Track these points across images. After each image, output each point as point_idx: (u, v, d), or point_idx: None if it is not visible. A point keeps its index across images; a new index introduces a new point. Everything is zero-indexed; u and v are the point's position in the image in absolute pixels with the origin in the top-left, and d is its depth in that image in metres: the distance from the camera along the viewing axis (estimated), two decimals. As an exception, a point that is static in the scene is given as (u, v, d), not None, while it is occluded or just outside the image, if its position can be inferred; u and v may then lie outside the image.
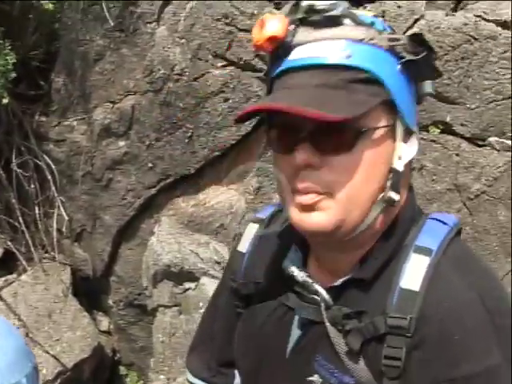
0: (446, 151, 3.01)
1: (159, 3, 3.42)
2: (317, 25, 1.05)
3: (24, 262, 3.91)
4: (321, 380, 1.11)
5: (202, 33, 3.32)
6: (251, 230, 1.30)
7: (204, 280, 3.21)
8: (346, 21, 1.06)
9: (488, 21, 2.88)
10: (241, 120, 1.07)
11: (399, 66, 1.06)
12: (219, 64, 3.30)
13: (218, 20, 3.27)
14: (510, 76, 2.85)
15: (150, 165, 3.58)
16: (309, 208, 1.04)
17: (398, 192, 1.06)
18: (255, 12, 3.19)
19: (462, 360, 1.00)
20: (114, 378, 4.18)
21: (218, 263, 3.27)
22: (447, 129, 3.00)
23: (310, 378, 1.12)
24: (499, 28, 2.87)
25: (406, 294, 1.04)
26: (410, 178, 1.16)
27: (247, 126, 3.29)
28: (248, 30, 3.24)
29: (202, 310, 3.20)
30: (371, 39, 1.05)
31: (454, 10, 2.97)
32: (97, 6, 3.58)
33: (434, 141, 3.01)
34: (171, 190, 3.61)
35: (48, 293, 3.83)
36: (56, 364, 3.63)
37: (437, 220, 1.13)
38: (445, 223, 1.12)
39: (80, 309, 3.88)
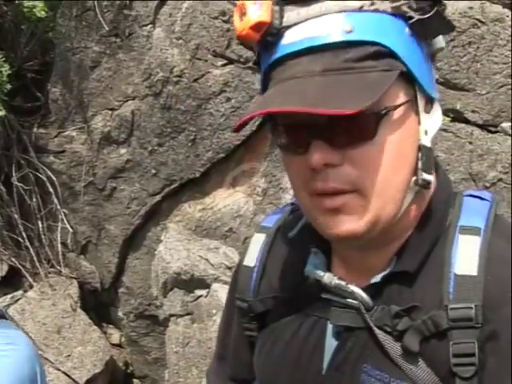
0: (458, 140, 2.93)
1: (154, 4, 3.35)
2: (304, 1, 0.91)
3: (30, 278, 3.85)
4: None
5: (199, 32, 3.25)
6: (257, 241, 1.17)
7: (215, 286, 3.13)
8: None
9: (494, 3, 2.80)
10: (241, 127, 0.94)
11: (407, 29, 0.92)
12: (219, 63, 3.22)
13: (216, 18, 3.20)
14: (520, 58, 2.77)
15: (153, 171, 3.51)
16: (336, 211, 0.93)
17: (430, 172, 0.96)
18: (253, 7, 3.11)
19: None
20: (128, 392, 4.10)
21: (229, 268, 3.18)
22: (458, 117, 2.92)
23: None
24: (506, 9, 2.79)
25: (464, 280, 0.93)
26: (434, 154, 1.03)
27: (251, 125, 3.21)
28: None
29: (215, 318, 3.14)
30: (372, 4, 0.90)
31: (459, -7, 2.89)
32: (90, 11, 3.51)
33: (445, 130, 2.92)
34: (177, 195, 3.54)
35: (56, 308, 3.76)
36: (68, 381, 3.58)
37: (474, 196, 1.03)
38: (483, 199, 1.02)
39: (89, 323, 3.81)
